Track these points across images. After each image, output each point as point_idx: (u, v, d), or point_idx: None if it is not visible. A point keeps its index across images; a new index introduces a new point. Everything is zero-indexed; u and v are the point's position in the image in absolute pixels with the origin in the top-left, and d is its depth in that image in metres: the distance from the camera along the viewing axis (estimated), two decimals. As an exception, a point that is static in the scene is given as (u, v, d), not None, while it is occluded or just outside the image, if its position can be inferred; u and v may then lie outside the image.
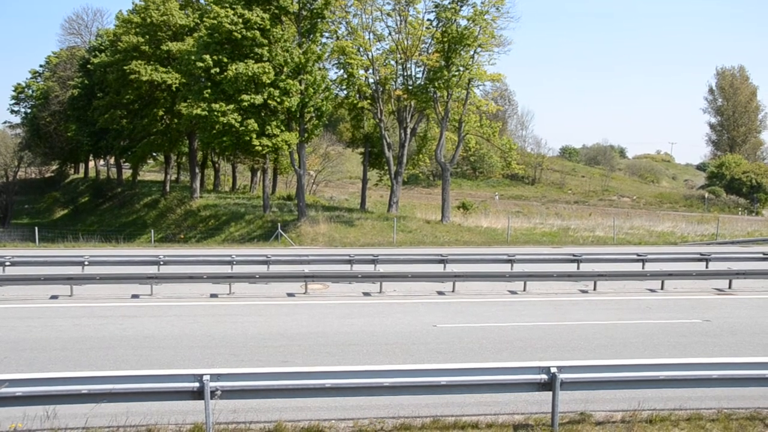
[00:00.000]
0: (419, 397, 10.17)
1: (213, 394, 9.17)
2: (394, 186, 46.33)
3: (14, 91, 76.51)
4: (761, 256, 26.68)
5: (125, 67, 46.94)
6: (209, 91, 36.31)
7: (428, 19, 43.26)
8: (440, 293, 20.74)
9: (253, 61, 36.18)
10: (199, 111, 36.11)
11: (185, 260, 23.37)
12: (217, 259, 23.43)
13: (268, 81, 35.99)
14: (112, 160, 71.55)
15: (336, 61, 44.71)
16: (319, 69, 39.16)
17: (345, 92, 45.32)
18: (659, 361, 10.74)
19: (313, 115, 39.20)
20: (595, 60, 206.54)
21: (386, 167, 47.64)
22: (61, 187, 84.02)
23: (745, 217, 65.35)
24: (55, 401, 9.16)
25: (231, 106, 35.72)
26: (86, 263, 22.34)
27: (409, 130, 45.66)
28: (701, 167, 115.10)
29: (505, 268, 23.50)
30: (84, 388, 9.03)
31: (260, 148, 36.45)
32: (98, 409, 9.59)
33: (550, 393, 9.79)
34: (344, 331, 15.56)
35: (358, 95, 44.46)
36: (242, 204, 49.59)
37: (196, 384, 9.18)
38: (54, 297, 19.32)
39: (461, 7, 40.67)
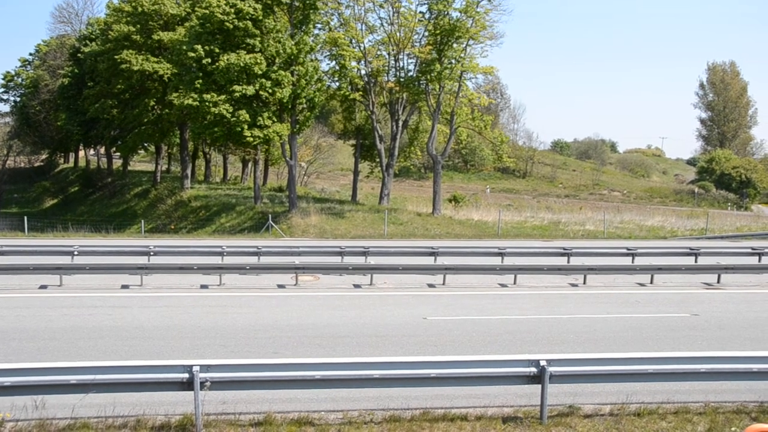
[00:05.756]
0: (409, 389, 10.18)
1: (203, 385, 9.16)
2: (385, 178, 46.30)
3: (3, 79, 75.84)
4: (750, 251, 26.84)
5: (116, 57, 46.66)
6: (201, 81, 36.14)
7: (420, 11, 43.21)
8: (431, 286, 20.77)
9: (245, 52, 36.04)
10: (190, 101, 35.94)
11: (175, 251, 23.29)
12: (208, 250, 23.37)
13: (260, 72, 35.85)
14: (102, 150, 71.13)
15: (328, 53, 44.57)
16: (311, 60, 39.01)
17: (337, 84, 45.19)
18: (648, 355, 10.81)
19: (305, 106, 39.11)
20: (587, 54, 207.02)
21: (378, 159, 47.61)
22: (51, 177, 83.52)
23: (735, 212, 65.73)
24: (44, 391, 9.14)
25: (222, 97, 35.58)
26: (76, 253, 22.26)
27: (400, 123, 45.61)
28: (691, 162, 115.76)
29: (496, 261, 23.56)
30: (73, 378, 9.00)
31: (251, 139, 36.34)
32: (87, 400, 9.57)
33: (540, 386, 9.83)
34: (334, 323, 15.56)
35: (350, 87, 44.34)
36: (233, 195, 49.47)
37: (186, 375, 9.16)
38: (43, 287, 19.23)
39: (454, -1, 40.67)
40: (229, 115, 35.47)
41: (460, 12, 40.52)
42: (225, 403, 10.02)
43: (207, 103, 35.34)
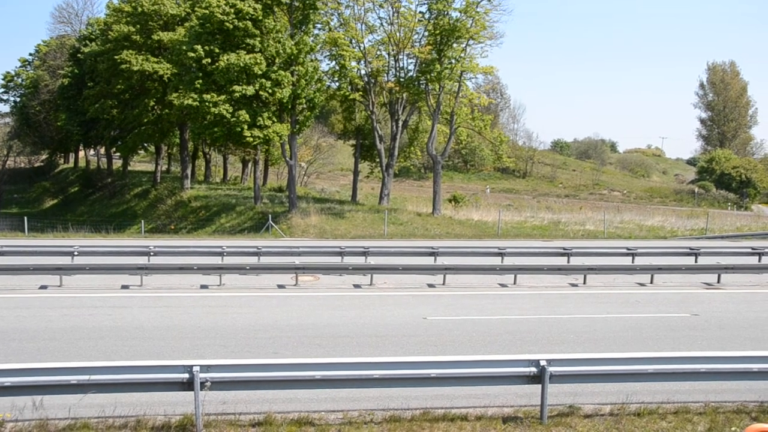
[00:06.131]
0: (409, 389, 10.18)
1: (203, 385, 9.16)
2: (385, 178, 46.31)
3: (3, 79, 75.81)
4: (750, 250, 26.84)
5: (116, 57, 46.65)
6: (200, 81, 36.14)
7: (420, 11, 43.23)
8: (431, 286, 20.77)
9: (245, 52, 36.04)
10: (190, 101, 35.93)
11: (175, 251, 23.29)
12: (208, 251, 23.37)
13: (260, 72, 35.86)
14: (102, 150, 71.15)
15: (328, 53, 44.60)
16: (311, 60, 39.01)
17: (337, 84, 45.19)
18: (648, 355, 10.81)
19: (305, 106, 39.12)
20: (587, 54, 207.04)
21: (378, 159, 47.63)
22: (51, 177, 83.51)
23: (735, 212, 65.73)
24: (44, 391, 9.13)
25: (222, 97, 35.58)
26: (76, 253, 22.26)
27: (400, 123, 45.61)
28: (691, 162, 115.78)
29: (496, 261, 23.56)
30: (73, 378, 9.00)
31: (251, 139, 36.34)
32: (87, 400, 9.57)
33: (540, 386, 9.83)
34: (334, 323, 15.56)
35: (349, 87, 44.34)
36: (233, 195, 49.47)
37: (186, 375, 9.16)
38: (43, 287, 19.23)
39: (454, -1, 40.68)
40: (229, 116, 35.47)
41: (460, 12, 40.53)
42: (225, 403, 10.02)
43: (207, 104, 35.34)
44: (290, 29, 38.09)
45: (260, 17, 36.45)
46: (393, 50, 44.14)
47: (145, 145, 59.97)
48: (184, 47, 37.35)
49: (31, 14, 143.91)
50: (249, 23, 36.20)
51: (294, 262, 20.62)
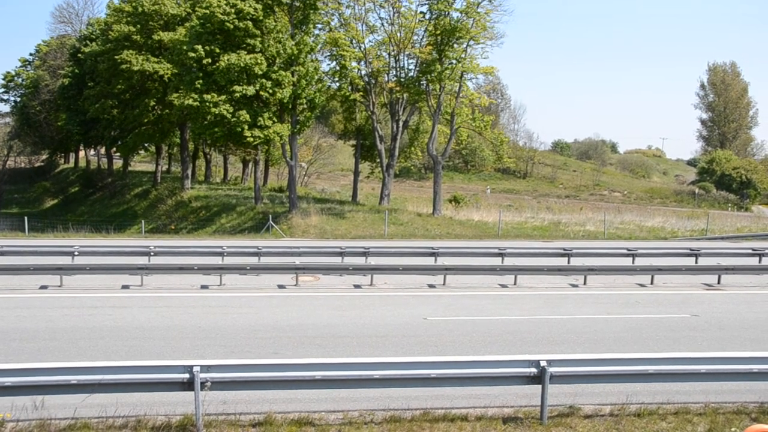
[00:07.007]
0: (409, 389, 10.17)
1: (203, 385, 9.16)
2: (385, 178, 46.29)
3: (3, 79, 75.75)
4: (750, 251, 26.82)
5: (116, 57, 46.64)
6: (201, 81, 36.14)
7: (421, 12, 43.19)
8: (431, 286, 20.77)
9: (246, 52, 36.06)
10: (190, 101, 35.94)
11: (176, 251, 23.28)
12: (208, 251, 23.35)
13: (261, 72, 35.88)
14: (102, 150, 71.16)
15: (328, 53, 44.60)
16: (312, 60, 39.03)
17: (337, 84, 45.19)
18: (648, 356, 10.81)
19: (305, 106, 39.14)
20: (587, 54, 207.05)
21: (378, 160, 47.63)
22: (51, 177, 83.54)
23: (735, 213, 65.71)
24: (44, 391, 9.13)
25: (223, 97, 35.59)
26: (76, 253, 22.26)
27: (401, 123, 45.61)
28: (692, 163, 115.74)
29: (496, 261, 23.55)
30: (73, 378, 9.00)
31: (252, 139, 36.35)
32: (87, 400, 9.57)
33: (540, 386, 9.83)
34: (335, 323, 15.56)
35: (350, 87, 44.33)
36: (233, 195, 49.48)
37: (186, 375, 9.16)
38: (43, 287, 19.23)
39: (454, -1, 40.66)
40: (229, 116, 35.48)
41: (461, 12, 40.52)
42: (225, 403, 10.02)
43: (207, 104, 35.35)
44: (291, 29, 38.10)
45: (261, 17, 36.48)
46: (393, 50, 44.13)
47: (146, 145, 59.96)
48: (185, 47, 37.37)
49: (31, 14, 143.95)
50: (249, 23, 36.22)
51: (294, 263, 20.63)
